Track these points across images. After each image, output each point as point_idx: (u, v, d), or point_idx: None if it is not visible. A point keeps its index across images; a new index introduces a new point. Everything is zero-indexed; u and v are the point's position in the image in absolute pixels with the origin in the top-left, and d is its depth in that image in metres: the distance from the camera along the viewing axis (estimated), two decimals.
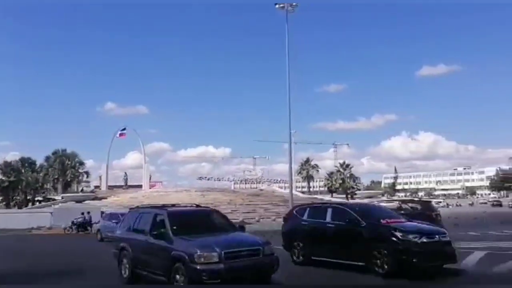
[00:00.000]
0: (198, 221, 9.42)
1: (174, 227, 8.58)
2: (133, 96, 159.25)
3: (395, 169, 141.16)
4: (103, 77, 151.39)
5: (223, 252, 7.74)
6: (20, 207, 52.40)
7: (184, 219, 9.23)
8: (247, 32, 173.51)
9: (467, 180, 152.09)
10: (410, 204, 20.83)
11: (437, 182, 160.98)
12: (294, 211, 12.99)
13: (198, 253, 7.70)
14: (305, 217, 11.99)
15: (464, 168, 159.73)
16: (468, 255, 12.14)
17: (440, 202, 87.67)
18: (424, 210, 19.73)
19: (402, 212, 19.54)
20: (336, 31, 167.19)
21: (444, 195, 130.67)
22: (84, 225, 30.04)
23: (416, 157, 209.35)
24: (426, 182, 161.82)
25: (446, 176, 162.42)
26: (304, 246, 11.45)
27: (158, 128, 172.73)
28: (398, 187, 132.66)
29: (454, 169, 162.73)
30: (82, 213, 30.87)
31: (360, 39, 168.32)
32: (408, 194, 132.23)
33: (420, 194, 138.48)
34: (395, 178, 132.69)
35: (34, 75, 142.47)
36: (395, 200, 24.02)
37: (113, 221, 22.15)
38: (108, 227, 22.41)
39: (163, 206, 10.37)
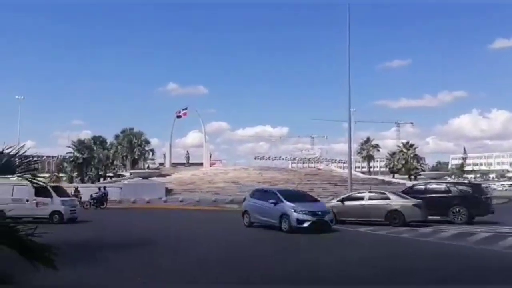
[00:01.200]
0: None
1: None
2: (193, 76, 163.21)
3: (464, 149, 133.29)
4: (164, 58, 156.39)
5: None
6: (93, 182, 56.48)
7: None
8: (306, 9, 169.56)
9: None
10: (459, 187, 19.87)
11: (511, 163, 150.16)
12: None
13: None
14: None
15: None
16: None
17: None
18: (473, 193, 18.91)
19: (450, 194, 18.99)
20: (399, 3, 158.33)
21: None
22: (100, 200, 30.12)
23: (488, 136, 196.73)
24: (498, 163, 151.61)
25: None
26: None
27: (217, 107, 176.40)
28: (467, 168, 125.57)
29: None
30: (99, 188, 31.26)
31: (425, 11, 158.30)
32: (477, 176, 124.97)
33: (492, 176, 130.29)
34: (464, 158, 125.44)
35: (100, 58, 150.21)
36: (443, 182, 22.72)
37: (270, 201, 16.67)
38: (260, 209, 17.20)
39: None
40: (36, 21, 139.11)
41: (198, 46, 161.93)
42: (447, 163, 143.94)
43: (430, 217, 17.83)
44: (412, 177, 65.56)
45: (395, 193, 19.34)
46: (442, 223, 17.75)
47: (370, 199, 18.54)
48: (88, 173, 60.86)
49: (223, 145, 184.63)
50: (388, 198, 18.25)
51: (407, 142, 73.47)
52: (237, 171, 49.26)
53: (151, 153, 66.21)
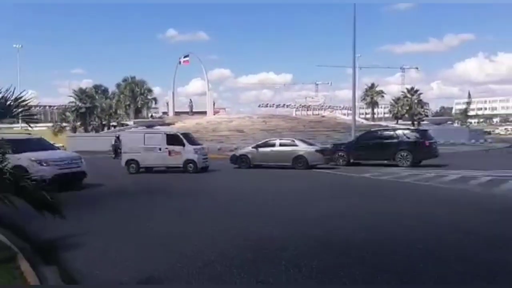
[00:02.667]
0: None
1: None
2: (193, 22, 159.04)
3: (469, 94, 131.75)
4: (162, 5, 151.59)
5: None
6: (97, 131, 56.53)
7: None
8: None
9: None
10: (406, 133, 21.36)
11: None
12: None
13: None
14: None
15: None
16: None
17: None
18: (419, 138, 20.29)
19: (397, 140, 20.47)
20: None
21: None
22: (115, 149, 27.21)
23: (494, 80, 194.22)
24: (503, 107, 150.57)
25: None
26: None
27: (219, 54, 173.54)
28: (471, 113, 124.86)
29: None
30: (117, 137, 28.00)
31: None
32: (481, 120, 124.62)
33: (495, 120, 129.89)
34: (468, 103, 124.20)
35: (98, 5, 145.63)
36: (392, 129, 23.85)
37: None
38: None
39: None
40: None
41: None
42: (451, 108, 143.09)
43: (380, 161, 20.26)
44: (416, 122, 65.41)
45: (302, 141, 21.49)
46: (390, 166, 19.41)
47: (280, 145, 20.64)
48: (91, 122, 60.86)
49: (226, 93, 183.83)
50: (295, 145, 20.43)
51: (412, 88, 72.52)
52: (241, 119, 49.12)
53: (154, 102, 65.81)
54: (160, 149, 19.27)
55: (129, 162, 19.53)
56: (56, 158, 13.59)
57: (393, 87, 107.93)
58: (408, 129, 22.97)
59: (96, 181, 14.83)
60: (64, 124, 66.05)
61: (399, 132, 21.59)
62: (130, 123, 56.27)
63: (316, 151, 20.09)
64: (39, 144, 14.56)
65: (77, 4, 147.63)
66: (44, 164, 12.89)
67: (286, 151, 20.12)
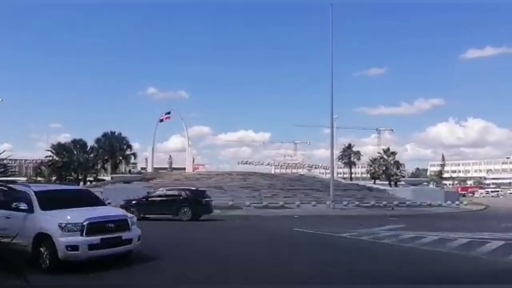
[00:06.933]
0: None
1: None
2: (173, 81, 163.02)
3: (443, 157, 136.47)
4: (143, 63, 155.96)
5: None
6: None
7: None
8: (288, 19, 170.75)
9: None
10: (187, 192, 23.76)
11: (488, 170, 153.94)
12: None
13: None
14: None
15: None
16: None
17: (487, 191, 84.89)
18: (197, 197, 23.34)
19: (180, 198, 23.22)
20: (374, 18, 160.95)
21: (495, 184, 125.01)
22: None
23: (464, 144, 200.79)
24: (475, 170, 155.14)
25: (497, 165, 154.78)
26: None
27: (198, 112, 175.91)
28: (446, 175, 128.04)
29: (507, 158, 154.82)
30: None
31: (399, 24, 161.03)
32: (456, 182, 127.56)
33: (469, 182, 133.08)
34: (442, 165, 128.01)
35: (81, 64, 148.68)
36: (175, 189, 25.84)
37: None
38: None
39: None
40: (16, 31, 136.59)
41: (177, 51, 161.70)
42: (425, 170, 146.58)
43: (165, 215, 22.45)
44: (392, 183, 66.57)
45: None
46: (174, 220, 21.95)
47: None
48: (67, 177, 59.67)
49: (205, 150, 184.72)
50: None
51: (388, 149, 74.48)
52: (220, 176, 49.05)
53: (133, 157, 65.37)
54: None
55: None
56: None
57: (369, 147, 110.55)
58: (188, 189, 25.07)
59: None
60: (39, 178, 64.62)
61: (182, 192, 23.95)
62: (108, 178, 55.43)
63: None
64: None
65: (56, 57, 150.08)
66: None
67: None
